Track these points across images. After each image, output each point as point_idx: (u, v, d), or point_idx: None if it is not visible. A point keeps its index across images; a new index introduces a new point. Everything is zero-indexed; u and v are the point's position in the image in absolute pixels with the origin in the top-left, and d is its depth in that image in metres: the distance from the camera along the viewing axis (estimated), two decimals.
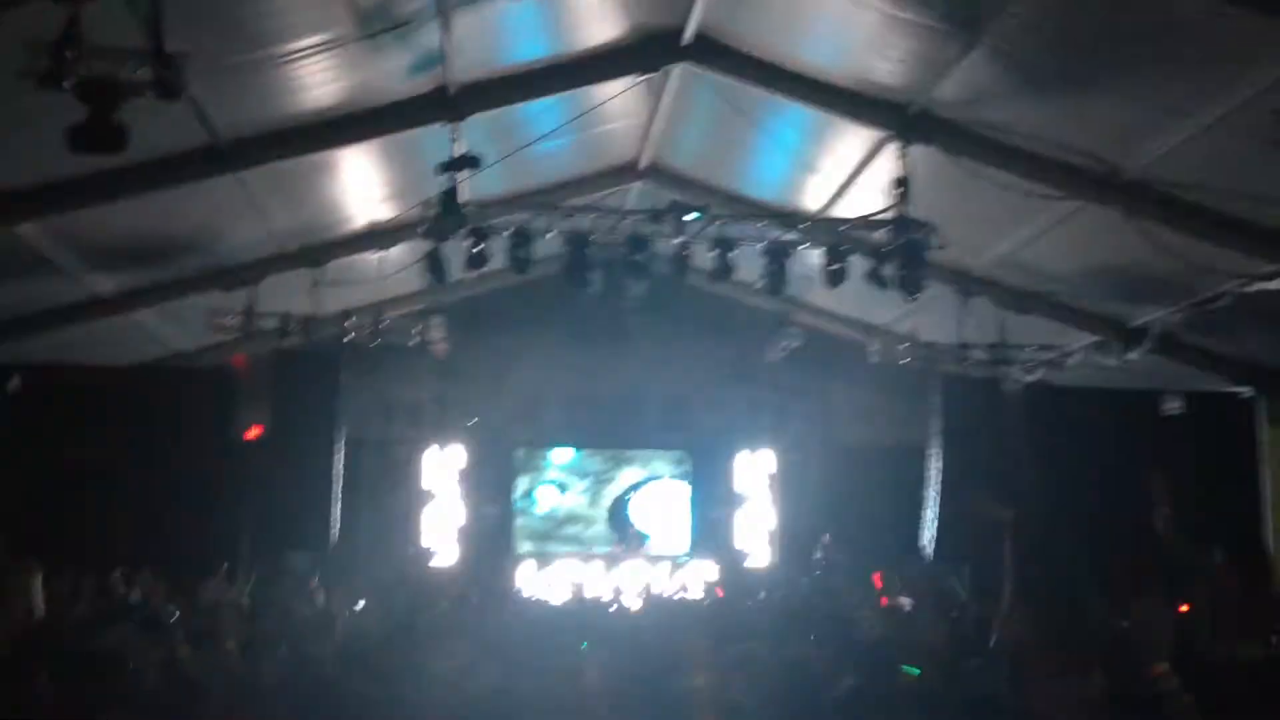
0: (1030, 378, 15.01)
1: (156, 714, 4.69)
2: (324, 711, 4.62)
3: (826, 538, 16.26)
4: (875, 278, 11.34)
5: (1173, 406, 15.03)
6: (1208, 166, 9.34)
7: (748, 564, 17.69)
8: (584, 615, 10.02)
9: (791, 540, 17.84)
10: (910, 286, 11.18)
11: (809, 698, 5.14)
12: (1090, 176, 10.07)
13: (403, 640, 7.60)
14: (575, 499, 18.07)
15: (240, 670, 6.25)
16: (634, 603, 13.70)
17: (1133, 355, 13.17)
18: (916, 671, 6.40)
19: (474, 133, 10.52)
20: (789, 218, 12.35)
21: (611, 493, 18.08)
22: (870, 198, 11.42)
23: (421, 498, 17.54)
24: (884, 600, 13.18)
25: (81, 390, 14.10)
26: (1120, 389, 14.75)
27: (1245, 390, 14.17)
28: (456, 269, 11.74)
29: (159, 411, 14.44)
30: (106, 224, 10.66)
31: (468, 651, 6.68)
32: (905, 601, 12.24)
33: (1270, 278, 10.50)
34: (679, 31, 10.28)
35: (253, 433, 15.71)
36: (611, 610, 11.91)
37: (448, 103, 10.29)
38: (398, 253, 13.14)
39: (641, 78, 10.82)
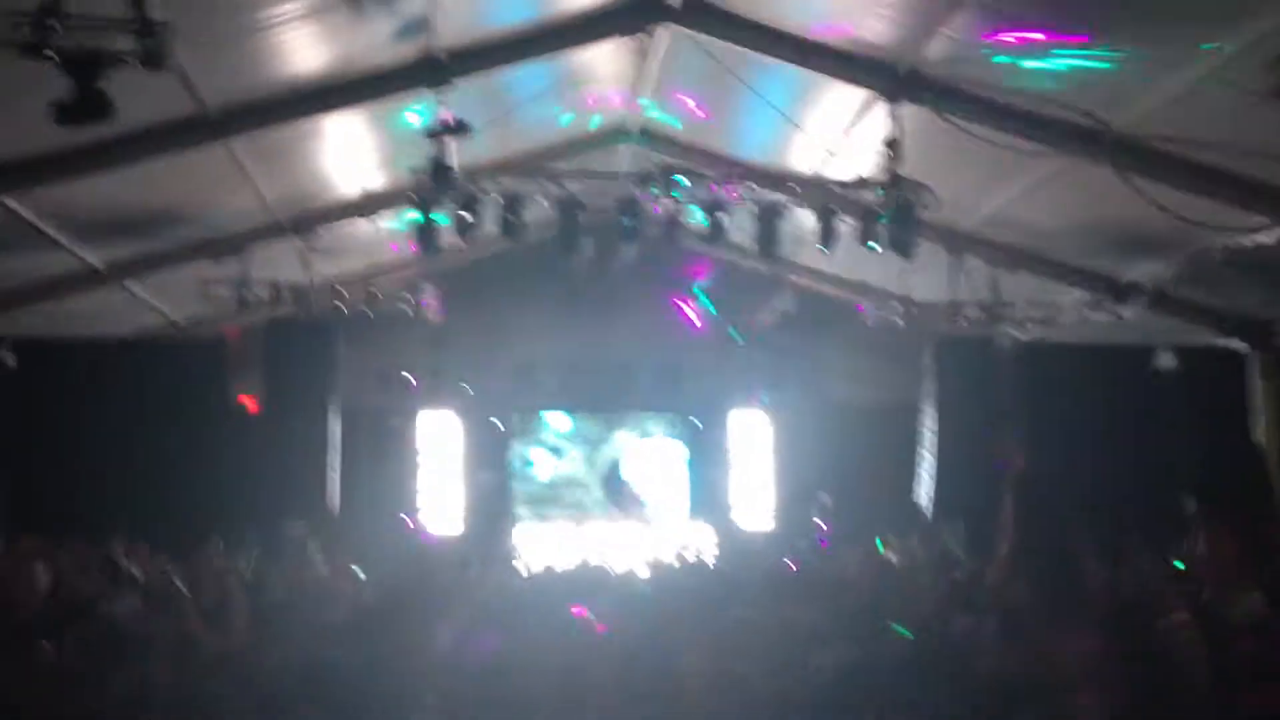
0: (1023, 335, 15.06)
1: (171, 689, 4.72)
2: (335, 683, 4.65)
3: (825, 497, 16.32)
4: (867, 239, 11.34)
5: (1166, 362, 15.09)
6: (1198, 120, 9.31)
7: (744, 526, 17.80)
8: (583, 580, 10.05)
9: (787, 502, 17.93)
10: (903, 247, 11.18)
11: (803, 666, 5.17)
12: (1080, 132, 10.03)
13: (404, 609, 7.64)
14: (572, 464, 18.12)
15: (252, 644, 6.29)
16: (633, 567, 13.75)
17: (1125, 311, 13.20)
18: (908, 634, 6.45)
19: (463, 98, 10.46)
20: (779, 179, 12.33)
21: (607, 457, 18.14)
22: (861, 158, 11.40)
23: (417, 465, 17.59)
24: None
25: (73, 363, 14.11)
26: (1113, 345, 14.80)
27: (1238, 344, 14.21)
28: (447, 236, 11.71)
29: (152, 384, 14.44)
30: (95, 196, 10.61)
31: (469, 620, 6.72)
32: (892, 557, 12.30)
33: (1261, 229, 10.51)
34: None
35: (247, 403, 15.75)
36: (610, 575, 11.95)
37: (435, 68, 10.23)
38: (389, 220, 13.11)
39: (626, 37, 10.75)
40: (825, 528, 16.13)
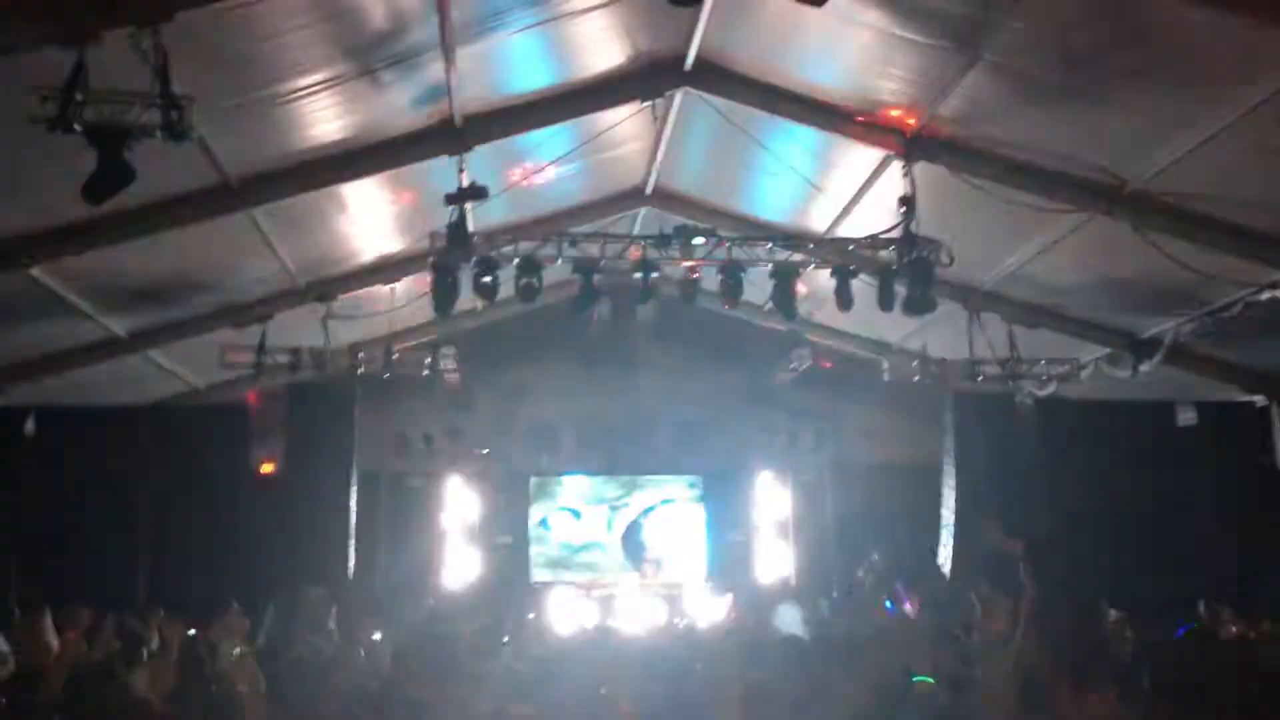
0: (1042, 392, 14.98)
1: None
2: None
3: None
4: (885, 297, 11.34)
5: (1187, 417, 14.99)
6: (1215, 175, 9.34)
7: (764, 588, 17.63)
8: (602, 646, 9.97)
9: (808, 563, 17.80)
10: (920, 306, 11.17)
11: None
12: (1097, 189, 10.08)
13: (425, 674, 7.59)
14: (590, 526, 18.03)
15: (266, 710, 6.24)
16: (653, 631, 13.64)
17: (1145, 367, 13.13)
18: (932, 680, 6.37)
19: (480, 162, 10.58)
20: (796, 238, 12.38)
21: (626, 519, 18.05)
22: (877, 217, 11.45)
23: (437, 530, 17.53)
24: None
25: (95, 430, 14.19)
26: (1133, 401, 14.72)
27: (1259, 399, 14.11)
28: (466, 299, 11.76)
29: (173, 450, 14.53)
30: (118, 265, 10.72)
31: (490, 686, 6.67)
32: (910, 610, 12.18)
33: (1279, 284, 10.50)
34: (681, 57, 10.35)
35: (268, 468, 15.78)
36: (630, 640, 11.84)
37: (453, 134, 10.36)
38: (407, 285, 13.20)
39: (643, 104, 10.87)
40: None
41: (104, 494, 14.05)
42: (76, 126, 6.74)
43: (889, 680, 6.04)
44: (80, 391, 13.49)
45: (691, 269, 11.89)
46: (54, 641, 9.67)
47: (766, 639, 9.99)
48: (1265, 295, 10.77)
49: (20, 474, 13.84)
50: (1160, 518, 14.41)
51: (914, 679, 6.43)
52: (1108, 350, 13.69)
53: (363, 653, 10.44)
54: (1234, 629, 10.97)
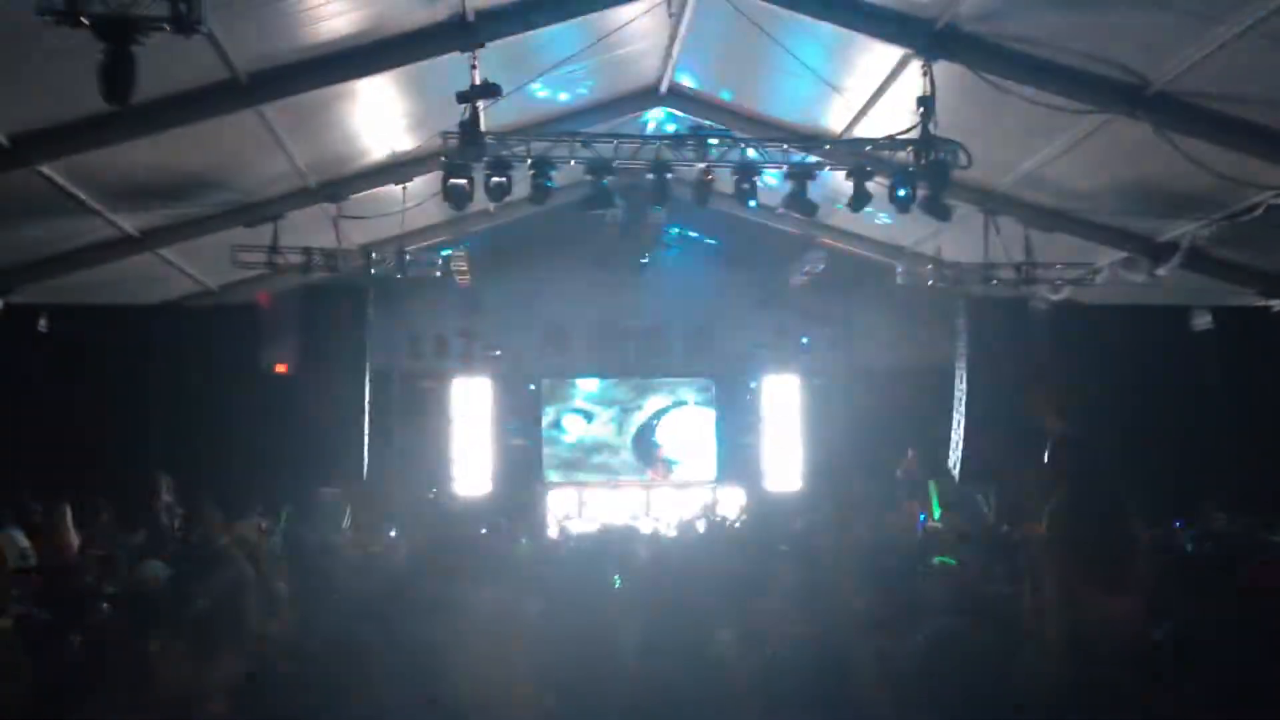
0: (1057, 296, 14.91)
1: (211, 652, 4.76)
2: (369, 652, 4.68)
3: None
4: (900, 199, 11.22)
5: (1202, 322, 14.93)
6: (1238, 76, 9.16)
7: (774, 489, 17.81)
8: (615, 543, 10.06)
9: (818, 464, 17.92)
10: (937, 208, 11.06)
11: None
12: (1118, 89, 9.90)
13: (439, 574, 7.68)
14: (602, 428, 18.16)
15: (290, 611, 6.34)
16: (664, 529, 13.80)
17: (1161, 271, 13.03)
18: (952, 562, 6.43)
19: (492, 60, 10.41)
20: (812, 139, 12.22)
21: (638, 421, 18.16)
22: (895, 117, 11.27)
23: (449, 429, 17.68)
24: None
25: (108, 329, 14.25)
26: (1149, 305, 14.65)
27: (1275, 304, 14.02)
28: (478, 200, 11.68)
29: (186, 349, 14.61)
30: (129, 162, 10.66)
31: (503, 584, 6.74)
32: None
33: None
34: None
35: (280, 368, 15.86)
36: (643, 537, 11.98)
37: (465, 30, 10.17)
38: (419, 184, 13.10)
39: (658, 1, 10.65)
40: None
41: (118, 393, 14.15)
42: (84, 19, 6.62)
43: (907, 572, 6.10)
44: (92, 291, 13.52)
45: (706, 170, 11.76)
46: (74, 537, 9.81)
47: (775, 538, 10.08)
48: None
49: (33, 372, 13.94)
50: (1174, 421, 14.44)
51: (936, 560, 6.49)
52: (1124, 254, 13.58)
53: (378, 551, 10.56)
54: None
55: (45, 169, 10.21)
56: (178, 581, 6.99)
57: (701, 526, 13.52)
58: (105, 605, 6.05)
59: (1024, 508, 9.58)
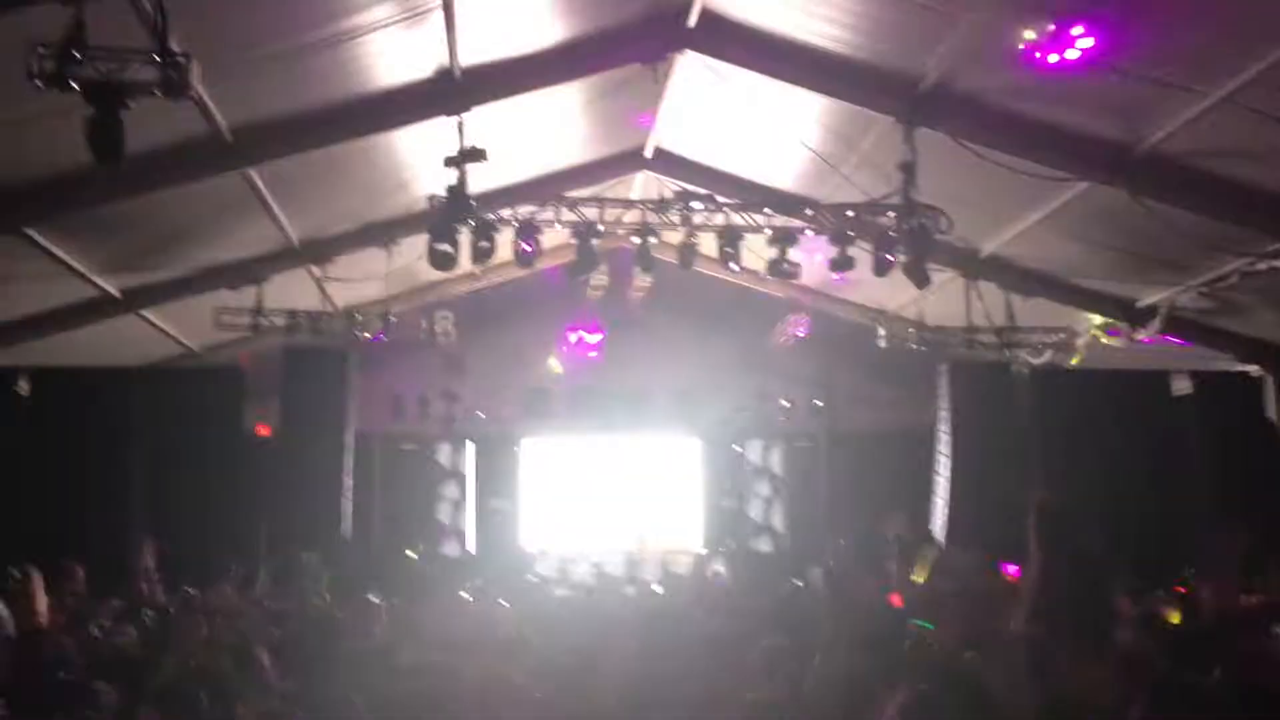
0: (1039, 360, 15.01)
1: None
2: (354, 712, 4.63)
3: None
4: (881, 265, 11.32)
5: (1182, 387, 15.03)
6: (1216, 143, 9.31)
7: (758, 552, 17.74)
8: (596, 610, 9.99)
9: (800, 529, 17.88)
10: (918, 273, 11.13)
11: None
12: (1096, 157, 10.05)
13: (421, 638, 7.62)
14: (585, 489, 18.06)
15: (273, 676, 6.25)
16: (647, 591, 13.68)
17: (1141, 336, 13.16)
18: (930, 626, 6.40)
19: (479, 122, 10.50)
20: (795, 203, 12.32)
21: (621, 483, 18.08)
22: (877, 182, 11.40)
23: (432, 493, 17.57)
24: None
25: (89, 391, 14.13)
26: (1129, 370, 14.75)
27: (1254, 369, 14.15)
28: (464, 262, 11.71)
29: (167, 411, 14.47)
30: (112, 223, 10.66)
31: (484, 652, 6.69)
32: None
33: (1278, 255, 10.49)
34: (683, 15, 10.25)
35: (262, 431, 15.76)
36: (627, 598, 11.89)
37: (453, 94, 10.27)
38: (404, 246, 13.13)
39: (645, 66, 10.78)
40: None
41: (98, 456, 14.00)
42: (74, 84, 6.67)
43: (886, 634, 6.06)
44: (74, 352, 13.43)
45: (689, 234, 11.85)
46: (43, 603, 9.65)
47: (762, 602, 10.03)
48: (1262, 265, 10.78)
49: (13, 435, 13.80)
50: (1154, 487, 14.46)
51: (910, 622, 6.46)
52: (1104, 319, 13.70)
53: (357, 616, 10.44)
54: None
55: (28, 230, 10.19)
56: (147, 648, 6.91)
57: (688, 583, 13.46)
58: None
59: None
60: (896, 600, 13.57)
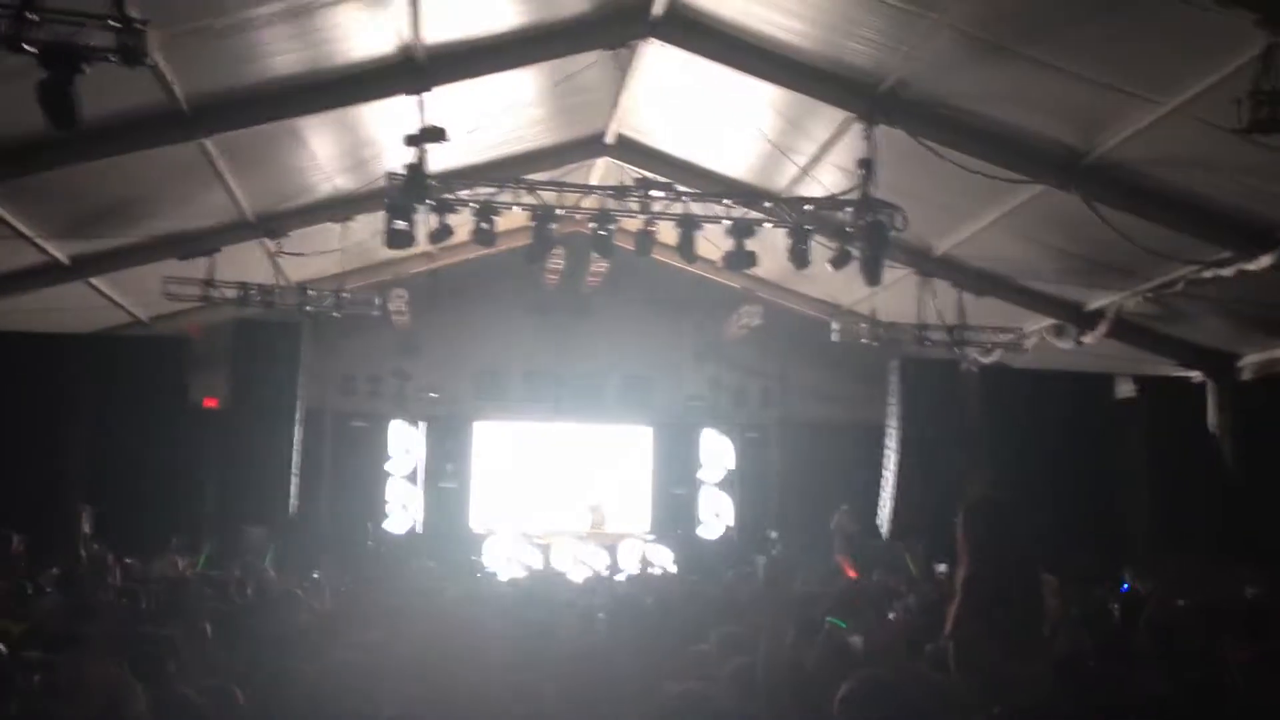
0: (987, 359, 15.21)
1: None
2: (297, 693, 4.62)
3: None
4: (838, 259, 11.41)
5: (1126, 390, 15.29)
6: (1167, 153, 9.46)
7: (706, 541, 17.84)
8: (542, 594, 10.01)
9: (750, 518, 18.00)
10: (873, 270, 11.20)
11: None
12: (1051, 160, 10.19)
13: (365, 617, 7.61)
14: (536, 474, 18.04)
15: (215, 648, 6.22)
16: (596, 578, 13.73)
17: (1088, 339, 13.37)
18: (843, 625, 6.48)
19: (440, 102, 10.45)
20: (754, 195, 12.38)
21: (573, 468, 18.08)
22: (836, 177, 11.49)
23: (380, 472, 17.50)
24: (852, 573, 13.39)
25: (34, 358, 13.92)
26: (1075, 371, 14.98)
27: (1195, 375, 14.42)
28: (420, 241, 11.66)
29: (114, 380, 14.29)
30: (63, 189, 10.49)
31: (428, 632, 6.69)
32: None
33: (1223, 264, 10.68)
34: (648, 4, 10.25)
35: (210, 404, 15.60)
36: (576, 584, 11.92)
37: (415, 73, 10.22)
38: (359, 222, 13.05)
39: (607, 51, 10.77)
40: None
41: (40, 421, 13.79)
42: (28, 46, 6.56)
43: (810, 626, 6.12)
44: (20, 318, 13.21)
45: (648, 222, 11.86)
46: None
47: (710, 591, 10.09)
48: (1208, 273, 10.97)
49: None
50: (1096, 486, 14.73)
51: (828, 620, 6.54)
52: (1053, 321, 13.91)
53: (300, 592, 10.40)
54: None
55: None
56: (70, 617, 6.85)
57: (633, 572, 13.52)
58: None
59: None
60: (850, 571, 13.78)
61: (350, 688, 4.84)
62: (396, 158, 10.57)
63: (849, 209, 10.92)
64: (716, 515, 18.26)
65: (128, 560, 11.37)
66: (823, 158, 11.76)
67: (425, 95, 10.34)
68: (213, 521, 14.54)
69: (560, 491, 17.91)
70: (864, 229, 10.80)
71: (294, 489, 14.79)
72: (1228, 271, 10.66)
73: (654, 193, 11.62)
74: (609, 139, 13.39)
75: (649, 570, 15.38)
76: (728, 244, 11.72)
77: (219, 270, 13.02)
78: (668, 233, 12.12)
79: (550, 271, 14.92)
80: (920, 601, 8.83)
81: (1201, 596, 8.07)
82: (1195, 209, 10.24)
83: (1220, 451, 14.03)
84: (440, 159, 11.03)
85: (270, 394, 14.72)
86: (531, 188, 11.49)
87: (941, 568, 12.55)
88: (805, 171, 12.14)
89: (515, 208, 11.51)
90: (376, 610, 8.06)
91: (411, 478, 17.64)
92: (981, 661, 4.88)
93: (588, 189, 12.13)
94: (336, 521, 16.31)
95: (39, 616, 7.14)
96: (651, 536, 17.61)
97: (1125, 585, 10.81)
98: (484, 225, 11.28)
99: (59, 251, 12.08)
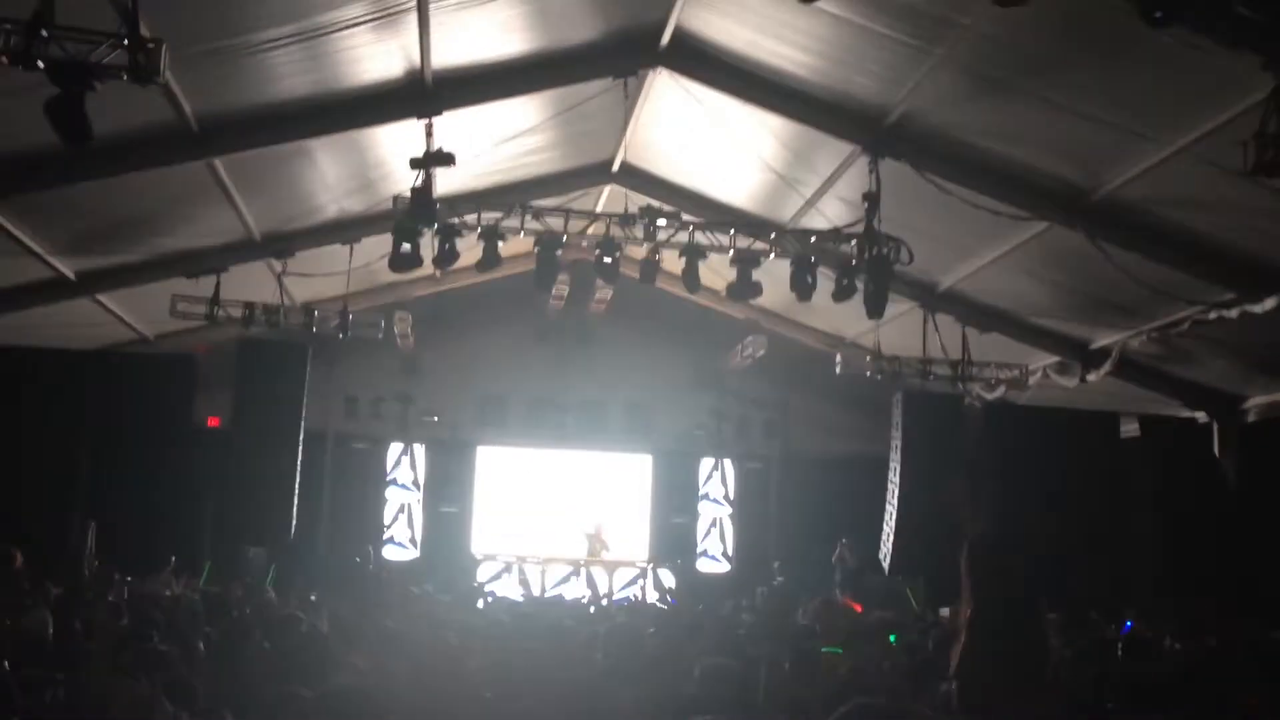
0: (991, 395, 15.18)
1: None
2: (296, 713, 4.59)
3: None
4: (842, 291, 11.42)
5: (1130, 429, 15.24)
6: (1172, 193, 9.49)
7: (705, 571, 17.77)
8: (541, 619, 9.96)
9: (749, 549, 17.94)
10: (876, 303, 11.20)
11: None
12: (1057, 198, 10.21)
13: (364, 641, 7.56)
14: (537, 499, 18.00)
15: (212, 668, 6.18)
16: (594, 606, 13.66)
17: (1092, 377, 13.34)
18: (839, 651, 6.45)
19: (449, 126, 10.49)
20: (760, 226, 12.40)
21: (573, 494, 18.03)
22: (841, 210, 11.51)
23: (381, 495, 17.47)
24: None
25: (39, 373, 13.94)
26: (1079, 410, 14.93)
27: (1200, 415, 14.37)
28: (425, 264, 11.68)
29: (118, 397, 14.30)
30: (72, 205, 10.53)
31: (427, 657, 6.66)
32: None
33: (1229, 306, 10.67)
34: (657, 34, 10.31)
35: (213, 421, 15.60)
36: (574, 611, 11.85)
37: (424, 97, 10.26)
38: (366, 246, 13.07)
39: (615, 80, 10.82)
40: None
41: (43, 438, 13.80)
42: (39, 63, 6.60)
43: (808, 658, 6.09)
44: (25, 333, 13.24)
45: (653, 250, 11.88)
46: None
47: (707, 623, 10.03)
48: (1213, 315, 10.96)
49: None
50: (1100, 525, 14.65)
51: (823, 650, 6.52)
52: (1057, 359, 13.89)
53: (300, 615, 10.36)
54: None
55: None
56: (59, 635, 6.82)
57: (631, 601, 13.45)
58: None
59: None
60: (856, 606, 13.71)
61: (346, 715, 4.80)
62: (404, 181, 10.60)
63: (853, 242, 10.94)
64: (719, 548, 18.20)
65: (128, 578, 11.35)
66: (828, 190, 11.78)
67: (434, 119, 10.37)
68: (212, 541, 14.51)
69: (560, 517, 17.85)
70: (868, 262, 10.81)
71: (294, 511, 14.75)
72: (1232, 313, 10.66)
73: (659, 221, 11.64)
74: (615, 167, 13.43)
75: (667, 597, 15.33)
76: (732, 274, 11.74)
77: (224, 289, 13.04)
78: (673, 262, 12.13)
79: (555, 298, 14.93)
80: (920, 639, 8.78)
81: (1209, 640, 8.02)
82: (1200, 250, 10.24)
83: (1225, 493, 13.96)
84: (447, 183, 11.07)
85: (273, 414, 14.71)
86: (538, 214, 11.52)
87: (944, 611, 12.48)
88: (810, 203, 12.16)
89: (521, 233, 11.54)
90: (375, 635, 8.02)
91: (411, 502, 17.60)
92: (986, 702, 4.85)
93: (593, 216, 12.15)
94: (336, 544, 16.27)
95: (39, 632, 7.11)
96: (649, 564, 17.53)
97: (1128, 625, 10.73)
98: (488, 251, 11.30)
99: (66, 267, 12.10)
